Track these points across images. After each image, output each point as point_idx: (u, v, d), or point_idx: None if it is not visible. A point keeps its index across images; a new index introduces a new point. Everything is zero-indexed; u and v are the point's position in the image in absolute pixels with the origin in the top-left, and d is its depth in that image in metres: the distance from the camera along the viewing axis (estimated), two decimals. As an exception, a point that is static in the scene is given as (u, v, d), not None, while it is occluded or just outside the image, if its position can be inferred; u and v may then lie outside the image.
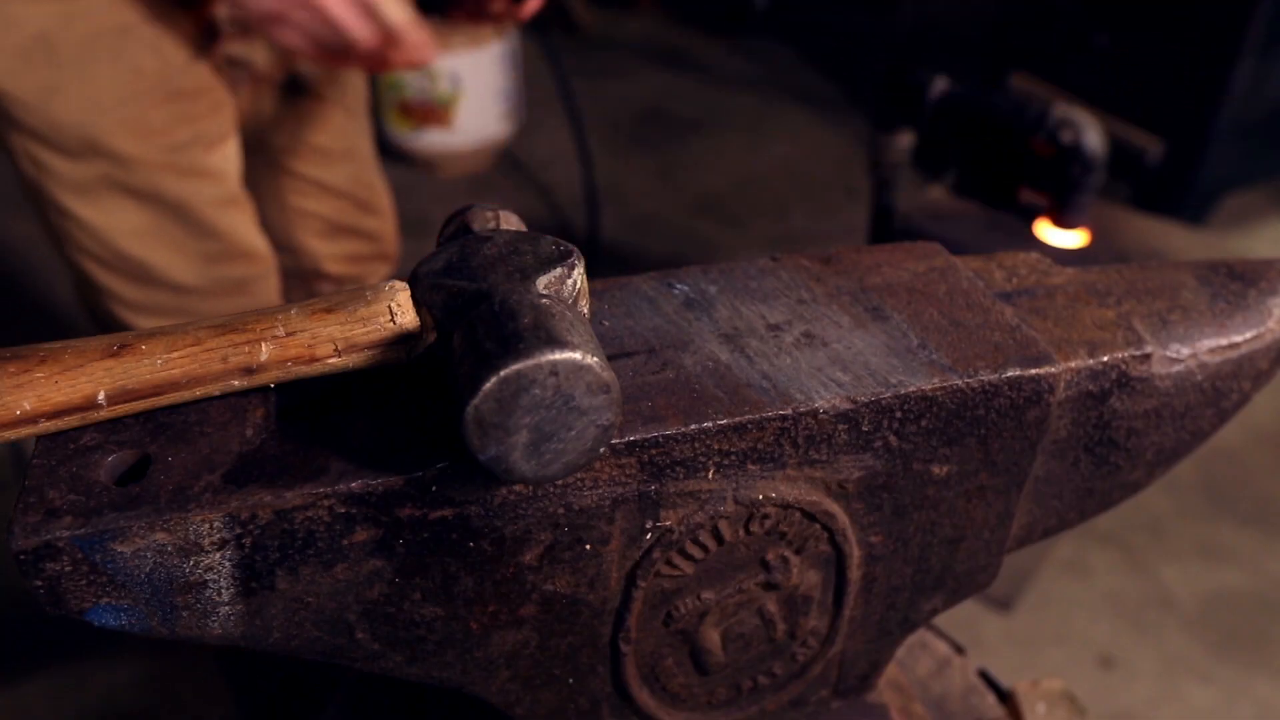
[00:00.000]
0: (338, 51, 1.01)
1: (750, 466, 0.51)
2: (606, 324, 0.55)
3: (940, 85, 1.75)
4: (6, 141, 1.04)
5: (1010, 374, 0.52)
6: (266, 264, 1.20)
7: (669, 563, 0.53)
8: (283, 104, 1.28)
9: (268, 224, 1.36)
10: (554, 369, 0.41)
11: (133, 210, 1.07)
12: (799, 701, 0.66)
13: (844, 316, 0.56)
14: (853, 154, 3.33)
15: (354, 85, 1.34)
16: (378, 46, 1.00)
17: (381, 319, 0.47)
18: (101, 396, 0.45)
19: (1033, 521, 0.63)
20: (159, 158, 1.05)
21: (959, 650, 0.87)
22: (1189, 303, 0.62)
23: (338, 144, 1.34)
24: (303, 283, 1.41)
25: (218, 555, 0.44)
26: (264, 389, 0.49)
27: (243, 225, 1.16)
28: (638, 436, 0.47)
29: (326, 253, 1.40)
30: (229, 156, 1.13)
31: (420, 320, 0.48)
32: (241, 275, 1.17)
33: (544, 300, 0.44)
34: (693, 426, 0.48)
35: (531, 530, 0.49)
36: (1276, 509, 2.10)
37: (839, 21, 4.30)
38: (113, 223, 1.07)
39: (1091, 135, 1.65)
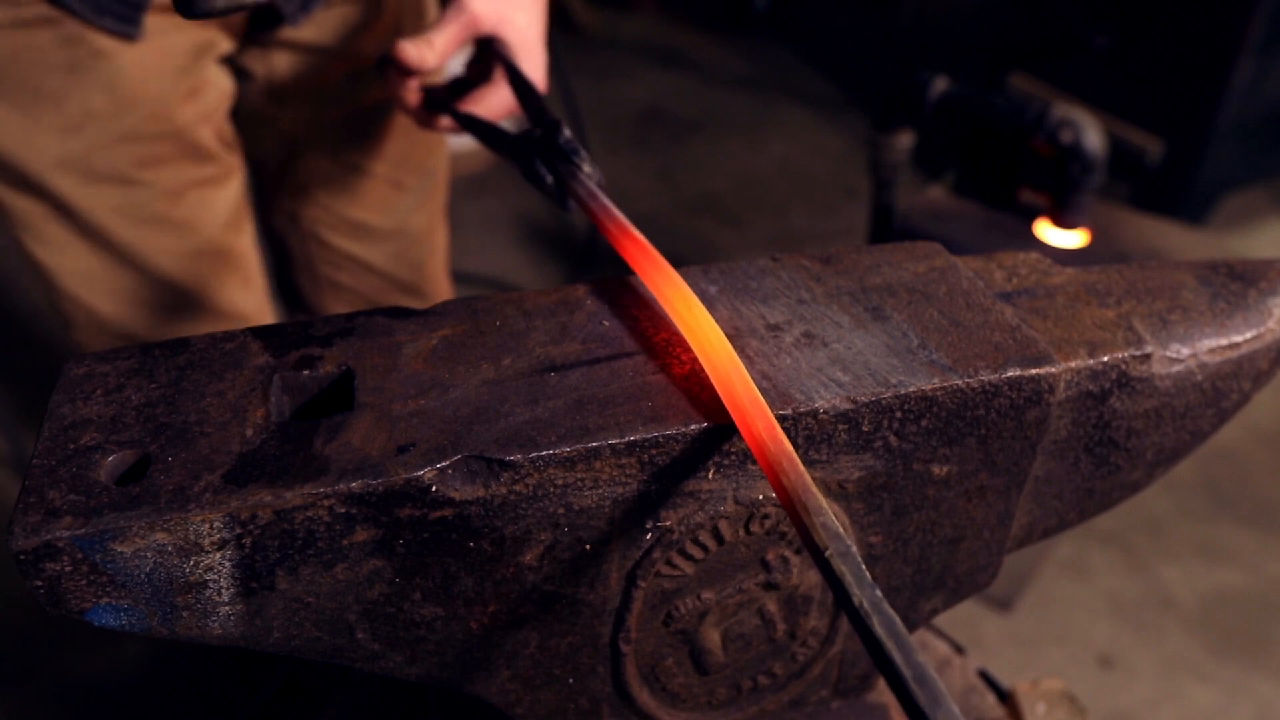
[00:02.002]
0: None
1: (750, 466, 0.51)
2: (606, 324, 0.55)
3: (940, 85, 1.75)
4: None
5: (1010, 374, 0.52)
6: (243, 326, 1.11)
7: (669, 563, 0.53)
8: (316, 170, 1.18)
9: (294, 286, 1.31)
10: None
11: (82, 254, 1.01)
12: (799, 701, 0.66)
13: (844, 316, 0.56)
14: (853, 154, 3.33)
15: (412, 162, 1.23)
16: None
17: None
18: None
19: (1033, 521, 0.63)
20: (107, 202, 0.98)
21: (959, 650, 0.87)
22: (1189, 303, 0.62)
23: (379, 221, 1.24)
24: None
25: (218, 555, 0.44)
26: (264, 388, 0.49)
27: (215, 282, 1.07)
28: (638, 436, 0.47)
29: None
30: (209, 206, 1.04)
31: None
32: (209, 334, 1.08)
33: None
34: (693, 426, 0.48)
35: (531, 530, 0.49)
36: (1276, 509, 2.10)
37: (839, 21, 4.31)
38: (58, 263, 1.01)
39: (1091, 135, 1.65)
